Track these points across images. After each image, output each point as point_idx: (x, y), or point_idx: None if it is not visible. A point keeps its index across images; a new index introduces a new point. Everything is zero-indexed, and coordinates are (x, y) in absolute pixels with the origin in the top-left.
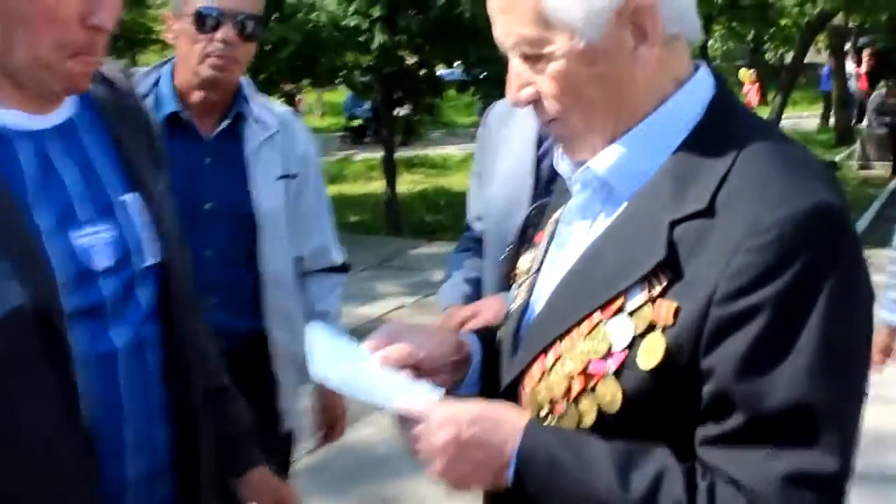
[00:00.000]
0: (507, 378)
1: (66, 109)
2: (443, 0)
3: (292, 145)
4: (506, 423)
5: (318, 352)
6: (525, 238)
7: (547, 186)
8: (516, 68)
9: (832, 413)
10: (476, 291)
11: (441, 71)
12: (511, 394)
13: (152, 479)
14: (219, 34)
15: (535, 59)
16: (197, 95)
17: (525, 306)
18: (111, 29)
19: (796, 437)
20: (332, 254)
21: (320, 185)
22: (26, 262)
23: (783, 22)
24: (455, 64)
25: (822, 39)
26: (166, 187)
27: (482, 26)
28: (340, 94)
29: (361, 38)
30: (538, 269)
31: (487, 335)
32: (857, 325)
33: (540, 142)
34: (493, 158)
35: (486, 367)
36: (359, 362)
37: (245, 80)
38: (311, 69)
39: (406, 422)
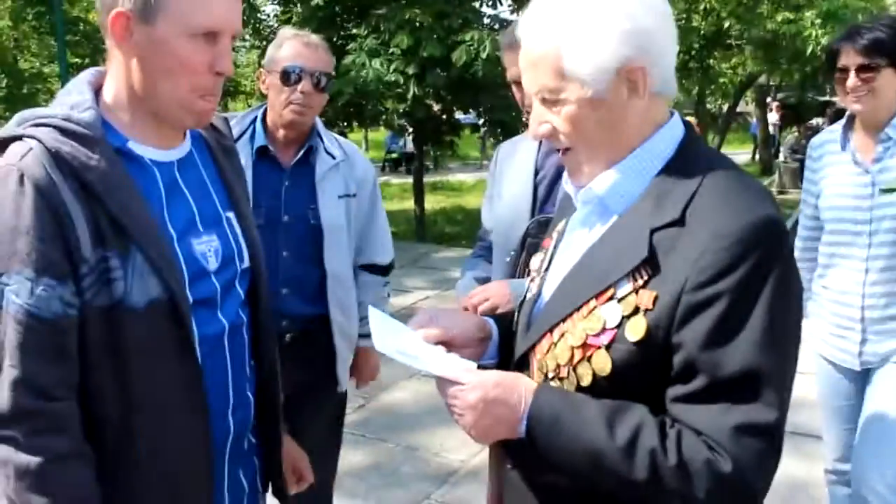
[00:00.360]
0: (521, 349)
1: (186, 145)
2: (462, 62)
3: (352, 171)
4: (520, 386)
5: (378, 329)
6: (525, 245)
7: (542, 205)
8: (537, 109)
9: (774, 376)
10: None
11: (459, 116)
12: (523, 362)
13: (245, 429)
14: (299, 86)
15: (552, 102)
16: (281, 133)
17: (537, 296)
18: (232, 74)
19: (745, 396)
20: (378, 256)
21: (376, 202)
22: (163, 262)
23: (721, 80)
24: (470, 111)
25: (750, 94)
26: (250, 209)
27: (491, 82)
28: (381, 134)
29: (399, 90)
30: (547, 268)
31: (503, 318)
32: (792, 309)
33: (536, 172)
34: (501, 184)
35: (503, 343)
36: (408, 338)
37: (319, 121)
38: (360, 114)
39: (445, 384)
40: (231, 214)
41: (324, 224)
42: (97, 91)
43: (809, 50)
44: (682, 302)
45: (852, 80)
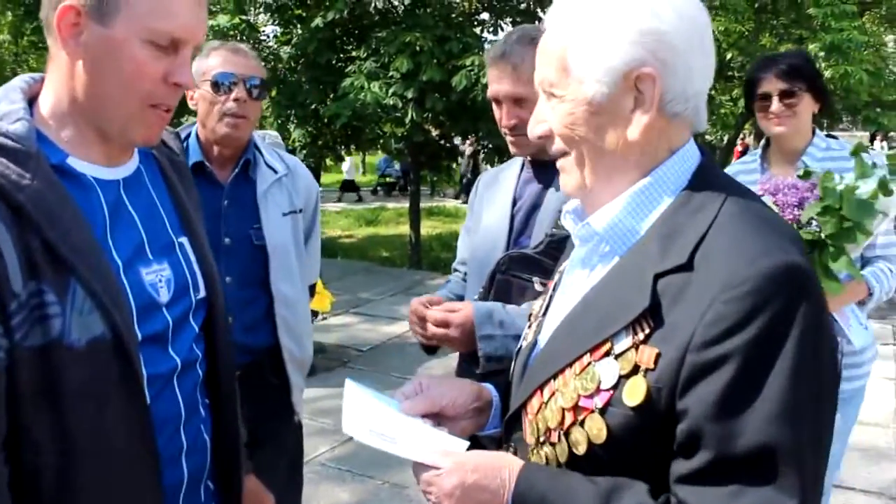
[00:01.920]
0: (513, 407)
1: (133, 163)
2: (461, 87)
3: (296, 186)
4: (503, 469)
5: (351, 405)
6: (494, 280)
7: (517, 236)
8: (540, 105)
9: (794, 457)
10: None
11: (458, 141)
12: (516, 420)
13: (201, 474)
14: (233, 94)
15: (550, 96)
16: (216, 149)
17: (533, 344)
18: (190, 87)
19: (759, 478)
20: (311, 278)
21: (316, 219)
22: (108, 296)
23: (722, 111)
24: (468, 136)
25: (750, 126)
26: (205, 233)
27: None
28: (375, 157)
29: (398, 114)
30: (545, 313)
31: (504, 383)
32: (820, 374)
33: (514, 202)
34: (479, 214)
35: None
36: (386, 414)
37: (255, 134)
38: (358, 137)
39: (420, 469)
40: (184, 240)
41: (268, 244)
42: (32, 100)
43: None
44: (688, 362)
45: (776, 104)
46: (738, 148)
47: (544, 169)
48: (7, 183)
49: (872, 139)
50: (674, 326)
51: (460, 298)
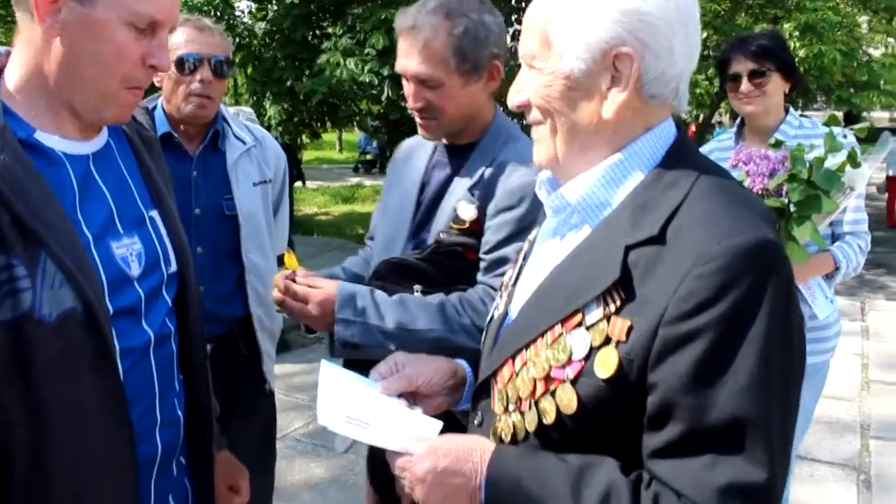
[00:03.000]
0: (483, 375)
1: (102, 137)
2: None
3: (265, 156)
4: (475, 452)
5: (326, 392)
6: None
7: (418, 230)
8: (521, 75)
9: (765, 428)
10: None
11: None
12: (485, 388)
13: (174, 450)
14: (198, 75)
15: (531, 67)
16: (182, 126)
17: (504, 316)
18: (167, 70)
19: (731, 450)
20: (279, 249)
21: (284, 190)
22: (78, 269)
23: (697, 90)
24: None
25: (725, 105)
26: (175, 206)
27: None
28: (356, 135)
29: (374, 91)
30: (515, 282)
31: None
32: (789, 349)
33: (422, 187)
34: (389, 192)
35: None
36: (361, 398)
37: (223, 106)
38: (334, 114)
39: (394, 456)
40: (155, 213)
41: (240, 214)
42: None
43: None
44: (660, 335)
45: (745, 84)
46: (693, 128)
47: (456, 154)
48: None
49: (847, 119)
50: (646, 299)
51: (358, 278)
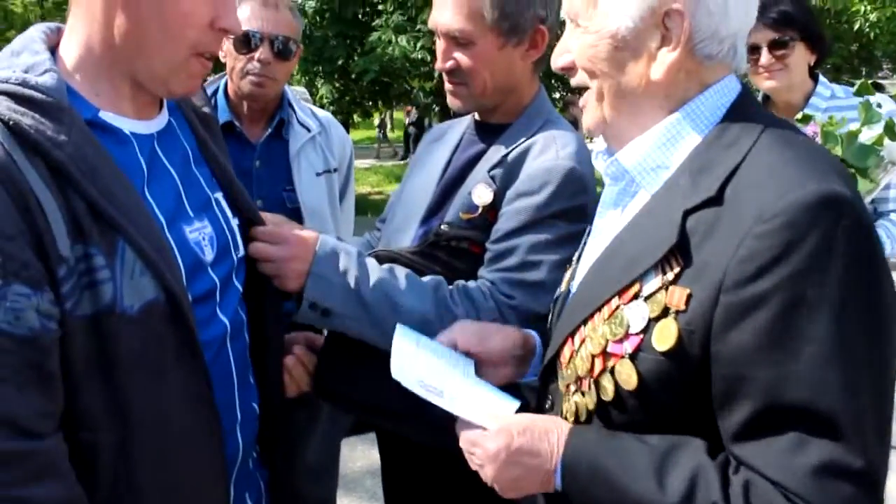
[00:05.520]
0: (547, 356)
1: (164, 116)
2: None
3: (330, 144)
4: (553, 432)
5: (400, 351)
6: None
7: (429, 216)
8: (566, 34)
9: (853, 404)
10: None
11: None
12: (552, 369)
13: (251, 446)
14: (257, 54)
15: (575, 27)
16: (244, 105)
17: (567, 293)
18: (239, 32)
19: (817, 429)
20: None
21: (350, 179)
22: (159, 255)
23: None
24: None
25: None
26: (241, 186)
27: None
28: (402, 113)
29: (426, 69)
30: (579, 258)
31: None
32: (875, 309)
33: (446, 168)
34: (411, 173)
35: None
36: (436, 365)
37: (289, 90)
38: (386, 92)
39: (464, 426)
40: (220, 195)
41: (303, 206)
42: (52, 51)
43: (857, 26)
44: (721, 303)
45: (765, 56)
46: None
47: (488, 133)
48: (44, 140)
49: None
50: (705, 265)
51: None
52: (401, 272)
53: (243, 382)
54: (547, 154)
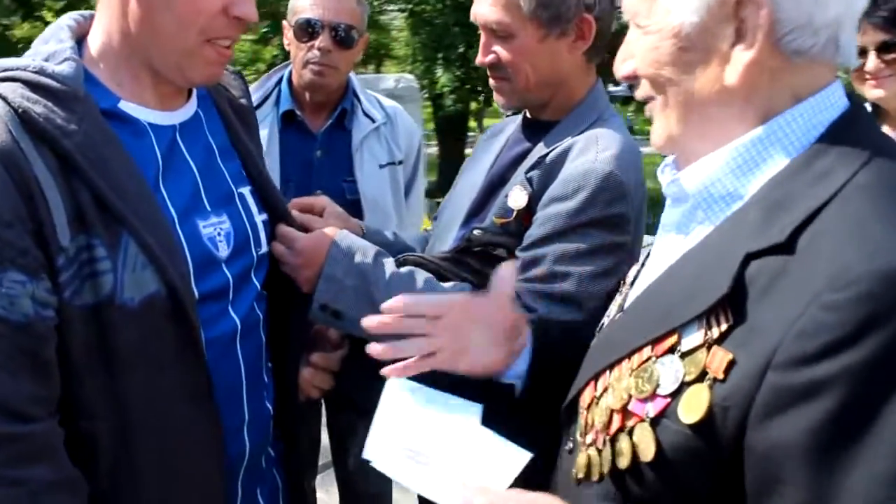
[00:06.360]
0: (571, 393)
1: (191, 107)
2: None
3: (396, 135)
4: None
5: (384, 418)
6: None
7: (470, 217)
8: (628, 38)
9: None
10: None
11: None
12: (574, 408)
13: (263, 446)
14: (317, 42)
15: (636, 28)
16: (306, 95)
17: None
18: (253, 20)
19: None
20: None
21: (418, 171)
22: (162, 249)
23: None
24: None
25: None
26: (272, 181)
27: None
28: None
29: None
30: (633, 282)
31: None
32: None
33: (492, 167)
34: (463, 173)
35: (537, 359)
36: (436, 424)
37: (354, 78)
38: None
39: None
40: (246, 190)
41: (364, 199)
42: (81, 40)
43: None
44: (768, 382)
45: (872, 61)
46: None
47: (536, 131)
48: (53, 128)
49: None
50: (757, 328)
51: (407, 251)
52: (420, 276)
53: (254, 381)
54: (586, 156)
